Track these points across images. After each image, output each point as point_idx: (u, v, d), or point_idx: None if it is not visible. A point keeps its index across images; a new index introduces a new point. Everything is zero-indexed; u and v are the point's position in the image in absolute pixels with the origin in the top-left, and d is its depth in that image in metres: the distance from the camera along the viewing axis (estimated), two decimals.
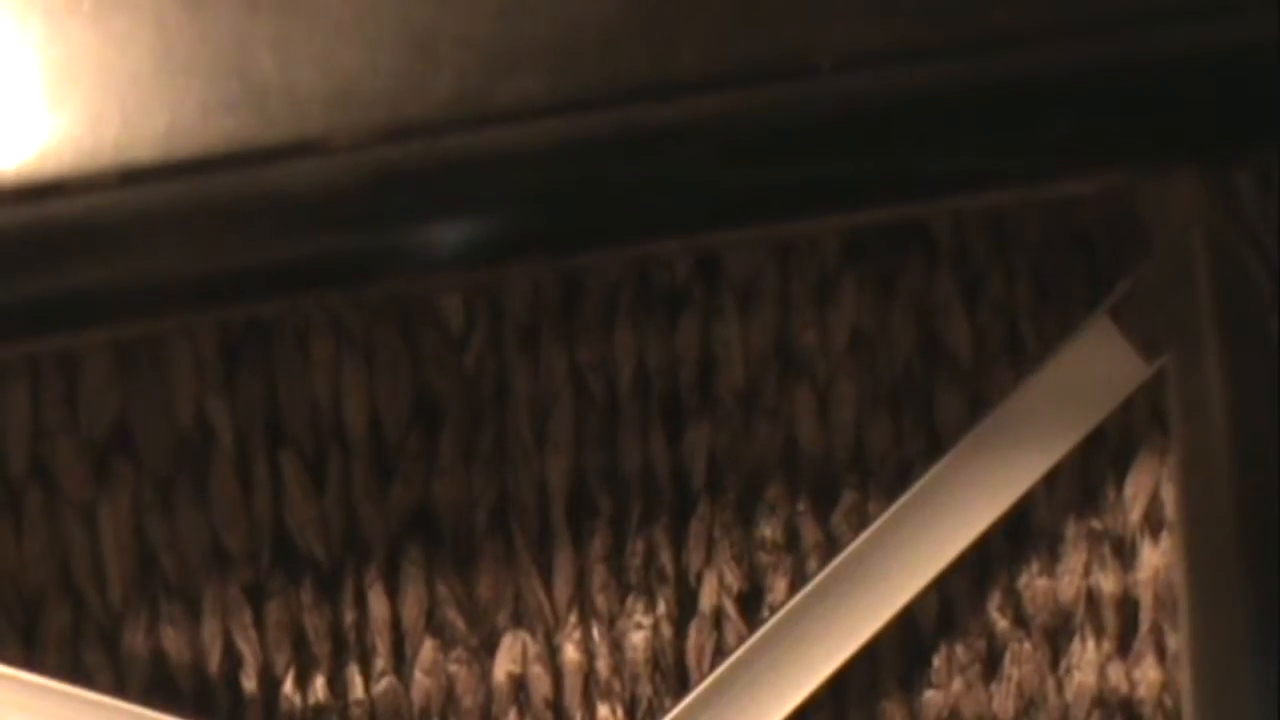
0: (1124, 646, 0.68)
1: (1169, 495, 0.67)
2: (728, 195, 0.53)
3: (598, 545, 0.66)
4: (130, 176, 0.50)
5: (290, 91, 0.50)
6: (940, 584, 0.65)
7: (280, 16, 0.50)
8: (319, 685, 0.66)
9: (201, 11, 0.50)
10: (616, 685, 0.67)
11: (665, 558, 0.67)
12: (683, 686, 0.67)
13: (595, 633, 0.67)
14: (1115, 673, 0.68)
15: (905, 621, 0.66)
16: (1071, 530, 0.68)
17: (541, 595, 0.66)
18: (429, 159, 0.51)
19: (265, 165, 0.50)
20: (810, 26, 0.51)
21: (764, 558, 0.67)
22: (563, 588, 0.67)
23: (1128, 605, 0.68)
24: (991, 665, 0.68)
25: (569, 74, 0.51)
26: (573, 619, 0.67)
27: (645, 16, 0.51)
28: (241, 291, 0.53)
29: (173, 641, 0.65)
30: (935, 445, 0.66)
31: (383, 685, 0.66)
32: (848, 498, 0.67)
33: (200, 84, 0.50)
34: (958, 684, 0.68)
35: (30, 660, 0.64)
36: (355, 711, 0.66)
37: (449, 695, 0.67)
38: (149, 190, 0.50)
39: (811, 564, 0.67)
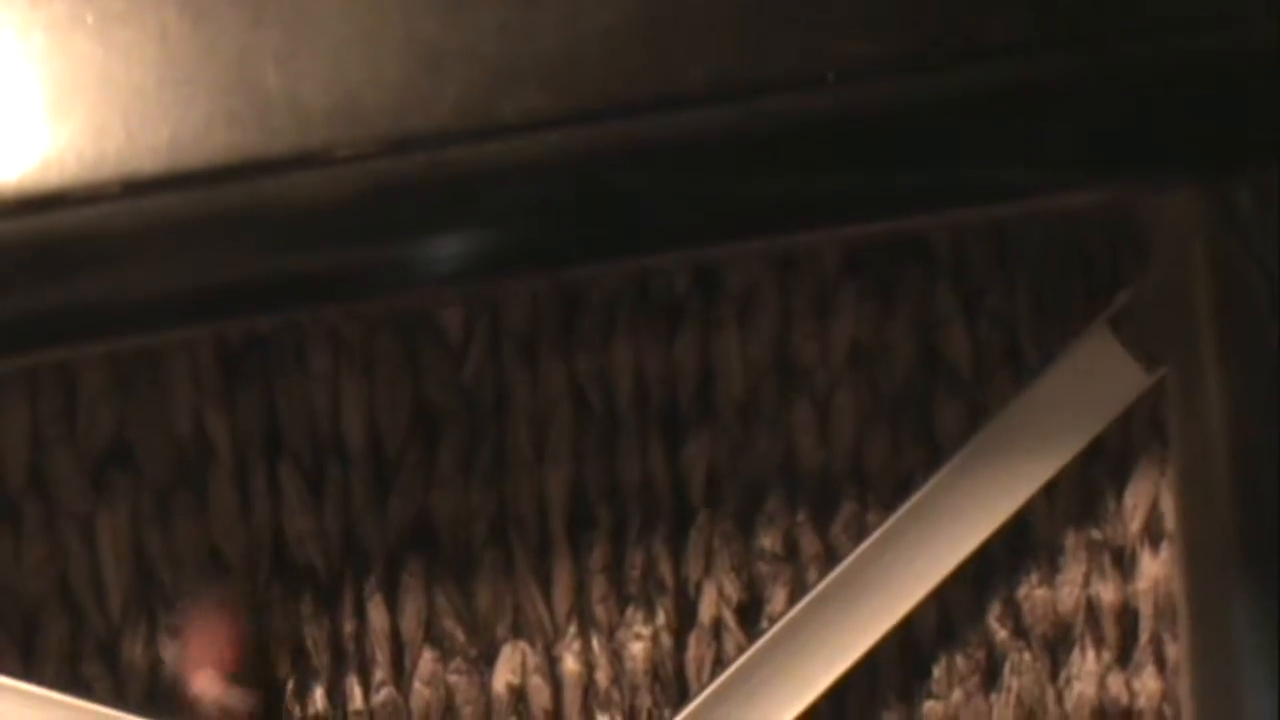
0: (1124, 657, 0.68)
1: (1168, 505, 0.67)
2: (731, 207, 0.53)
3: (597, 556, 0.66)
4: (133, 188, 0.50)
5: (293, 104, 0.50)
6: (940, 594, 0.65)
7: (284, 30, 0.50)
8: (318, 696, 0.66)
9: (205, 24, 0.50)
10: (616, 696, 0.67)
11: (664, 568, 0.67)
12: (682, 697, 0.67)
13: (595, 643, 0.67)
14: (1115, 683, 0.68)
15: (905, 632, 0.66)
16: (1071, 541, 0.68)
17: (541, 606, 0.66)
18: (432, 171, 0.51)
19: (268, 177, 0.50)
20: (814, 39, 0.51)
21: (763, 568, 0.67)
22: (562, 599, 0.67)
23: (1127, 615, 0.68)
24: (991, 676, 0.68)
25: (572, 87, 0.51)
26: (572, 630, 0.67)
27: (648, 30, 0.51)
28: (244, 304, 0.53)
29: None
30: (934, 457, 0.66)
31: (382, 696, 0.66)
32: (847, 509, 0.67)
33: (204, 96, 0.50)
34: (957, 695, 0.68)
35: (29, 671, 0.64)
36: None
37: (448, 706, 0.67)
38: (152, 202, 0.50)
39: (811, 575, 0.67)
